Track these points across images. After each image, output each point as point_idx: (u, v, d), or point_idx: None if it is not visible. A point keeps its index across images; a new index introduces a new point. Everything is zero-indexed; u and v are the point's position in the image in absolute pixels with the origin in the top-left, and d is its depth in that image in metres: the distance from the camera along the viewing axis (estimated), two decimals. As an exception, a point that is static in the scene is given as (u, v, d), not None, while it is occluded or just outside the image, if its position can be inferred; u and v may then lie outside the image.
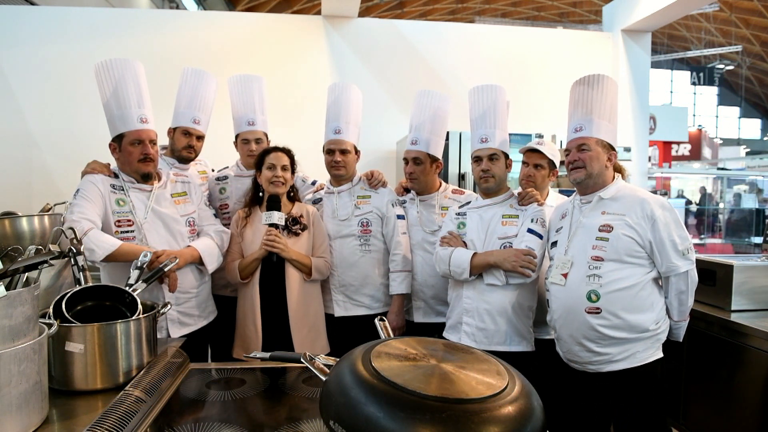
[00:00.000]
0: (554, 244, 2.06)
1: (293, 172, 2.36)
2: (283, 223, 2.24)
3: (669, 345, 1.98)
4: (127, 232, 2.07)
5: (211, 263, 2.24)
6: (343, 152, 2.47)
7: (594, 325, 1.86)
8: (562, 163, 2.59)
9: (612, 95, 2.01)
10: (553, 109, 4.21)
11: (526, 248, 2.07)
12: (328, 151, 2.49)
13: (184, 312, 2.18)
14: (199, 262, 2.21)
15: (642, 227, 1.86)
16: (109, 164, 2.19)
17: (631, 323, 1.85)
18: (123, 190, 2.11)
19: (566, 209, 2.10)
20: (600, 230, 1.90)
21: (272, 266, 2.25)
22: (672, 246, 1.86)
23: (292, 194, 2.42)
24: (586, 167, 1.95)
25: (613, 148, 1.99)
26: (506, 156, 2.23)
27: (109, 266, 2.08)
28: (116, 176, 2.14)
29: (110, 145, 2.14)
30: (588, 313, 1.87)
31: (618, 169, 2.07)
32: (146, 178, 2.15)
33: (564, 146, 3.50)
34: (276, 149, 2.34)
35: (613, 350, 1.87)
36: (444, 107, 2.50)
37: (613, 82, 2.04)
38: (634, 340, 1.87)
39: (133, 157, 2.09)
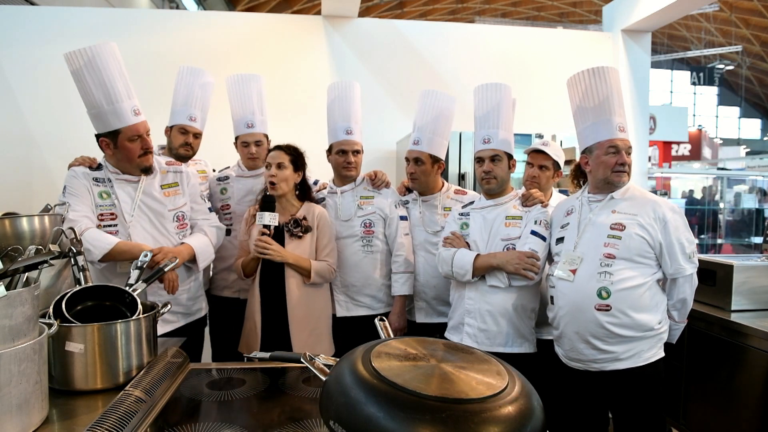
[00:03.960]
0: (560, 240, 2.05)
1: (297, 169, 2.31)
2: (275, 223, 2.20)
3: (668, 345, 1.98)
4: (110, 225, 2.02)
5: (203, 261, 2.22)
6: (356, 153, 2.47)
7: (603, 322, 1.86)
8: (566, 163, 2.59)
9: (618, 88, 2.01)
10: (553, 109, 4.21)
11: (529, 250, 2.07)
12: (341, 152, 2.47)
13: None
14: (191, 260, 2.18)
15: (654, 228, 1.88)
16: (95, 158, 2.13)
17: (638, 322, 1.86)
18: (107, 182, 2.05)
19: (572, 206, 2.09)
20: (612, 228, 1.91)
21: (272, 266, 2.24)
22: (680, 249, 1.89)
23: (298, 193, 2.37)
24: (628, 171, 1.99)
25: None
26: (509, 157, 2.22)
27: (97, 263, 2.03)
28: (99, 168, 2.07)
29: (102, 141, 2.03)
30: (597, 310, 1.87)
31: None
32: (147, 171, 2.09)
33: (564, 145, 3.49)
34: (276, 147, 2.33)
35: (619, 348, 1.88)
36: (449, 107, 2.49)
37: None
38: (639, 339, 1.88)
39: (134, 153, 2.02)
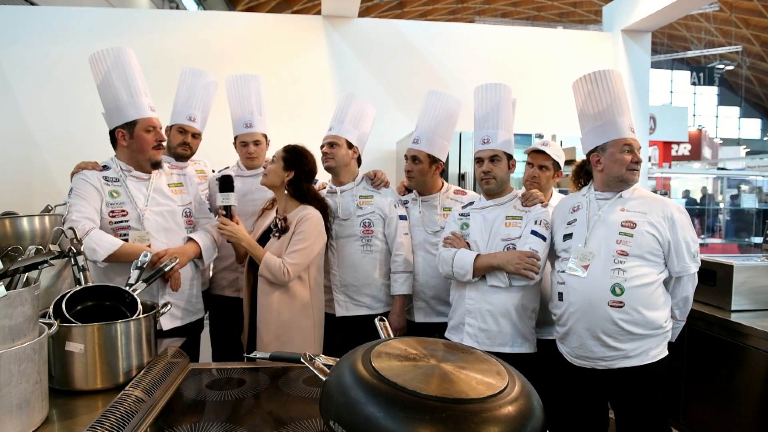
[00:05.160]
0: (568, 236, 2.05)
1: (289, 168, 2.23)
2: (230, 203, 2.18)
3: (668, 344, 1.98)
4: (121, 222, 2.06)
5: (208, 258, 2.28)
6: (331, 145, 2.48)
7: (615, 318, 1.87)
8: (566, 163, 2.59)
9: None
10: (553, 109, 4.22)
11: (529, 250, 2.07)
12: (321, 147, 2.52)
13: (176, 305, 2.16)
14: (198, 257, 2.23)
15: (663, 227, 1.91)
16: (96, 162, 2.17)
17: (649, 319, 1.88)
18: (117, 181, 2.10)
19: (578, 202, 2.09)
20: (623, 225, 1.93)
21: (254, 264, 2.23)
22: (687, 247, 1.92)
23: (289, 192, 2.31)
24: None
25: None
26: (509, 157, 2.22)
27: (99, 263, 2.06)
28: (105, 168, 2.12)
29: (117, 132, 2.11)
30: (611, 306, 1.88)
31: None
32: (155, 166, 2.16)
33: (564, 145, 3.49)
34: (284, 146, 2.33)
35: (629, 346, 1.89)
36: (453, 110, 2.49)
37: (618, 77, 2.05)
38: (648, 337, 1.89)
39: (148, 143, 2.10)
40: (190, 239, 2.22)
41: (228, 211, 2.18)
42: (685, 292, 1.97)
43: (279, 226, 2.22)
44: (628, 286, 1.87)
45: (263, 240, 2.29)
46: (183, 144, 2.57)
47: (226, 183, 2.19)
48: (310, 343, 2.24)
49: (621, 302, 1.87)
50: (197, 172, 2.78)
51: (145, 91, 2.14)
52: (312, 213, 2.23)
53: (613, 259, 1.90)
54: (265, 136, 2.73)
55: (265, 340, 2.17)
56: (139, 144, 2.10)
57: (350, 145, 2.51)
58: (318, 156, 2.45)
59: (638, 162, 1.97)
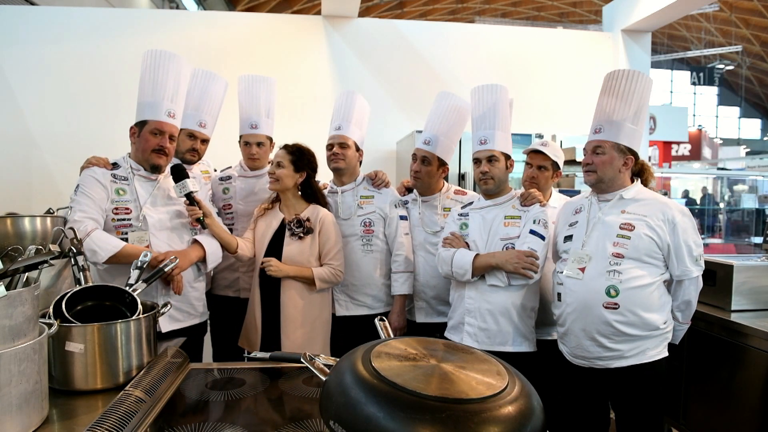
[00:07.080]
0: (568, 238, 2.06)
1: (299, 170, 2.30)
2: (191, 189, 2.13)
3: (669, 345, 1.98)
4: (123, 220, 2.07)
5: (212, 263, 2.26)
6: (342, 146, 2.48)
7: (610, 320, 1.87)
8: (566, 163, 2.58)
9: (642, 95, 1.98)
10: (553, 109, 4.22)
11: (528, 249, 2.07)
12: (329, 146, 2.50)
13: (176, 307, 2.15)
14: (201, 261, 2.21)
15: (663, 230, 1.90)
16: (107, 159, 2.18)
17: (646, 321, 1.88)
18: (125, 179, 2.11)
19: (581, 204, 2.10)
20: (621, 228, 1.92)
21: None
22: (688, 251, 1.91)
23: (301, 194, 2.36)
24: (597, 171, 1.98)
25: (631, 152, 1.97)
26: (507, 157, 2.22)
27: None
28: (115, 166, 2.13)
29: (131, 128, 2.15)
30: (605, 308, 1.88)
31: (642, 170, 2.06)
32: (155, 170, 2.15)
33: (564, 145, 3.49)
34: (283, 146, 2.34)
35: (625, 347, 1.89)
36: (464, 114, 2.49)
37: (646, 81, 1.99)
38: (645, 338, 1.89)
39: (149, 145, 2.10)
40: (195, 241, 2.21)
41: (191, 199, 2.15)
42: (687, 295, 1.96)
43: (304, 227, 2.26)
44: (624, 288, 1.87)
45: (276, 240, 2.29)
46: (191, 150, 2.56)
47: (177, 172, 2.15)
48: (328, 339, 2.32)
49: (616, 304, 1.87)
50: (202, 172, 2.77)
51: (171, 98, 2.14)
52: (328, 212, 2.34)
53: (608, 261, 1.90)
54: (270, 139, 2.73)
55: (291, 338, 2.22)
56: (142, 144, 2.11)
57: (357, 148, 2.53)
58: (317, 154, 2.45)
59: (588, 164, 2.00)
